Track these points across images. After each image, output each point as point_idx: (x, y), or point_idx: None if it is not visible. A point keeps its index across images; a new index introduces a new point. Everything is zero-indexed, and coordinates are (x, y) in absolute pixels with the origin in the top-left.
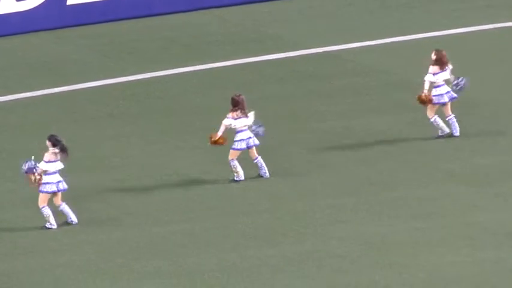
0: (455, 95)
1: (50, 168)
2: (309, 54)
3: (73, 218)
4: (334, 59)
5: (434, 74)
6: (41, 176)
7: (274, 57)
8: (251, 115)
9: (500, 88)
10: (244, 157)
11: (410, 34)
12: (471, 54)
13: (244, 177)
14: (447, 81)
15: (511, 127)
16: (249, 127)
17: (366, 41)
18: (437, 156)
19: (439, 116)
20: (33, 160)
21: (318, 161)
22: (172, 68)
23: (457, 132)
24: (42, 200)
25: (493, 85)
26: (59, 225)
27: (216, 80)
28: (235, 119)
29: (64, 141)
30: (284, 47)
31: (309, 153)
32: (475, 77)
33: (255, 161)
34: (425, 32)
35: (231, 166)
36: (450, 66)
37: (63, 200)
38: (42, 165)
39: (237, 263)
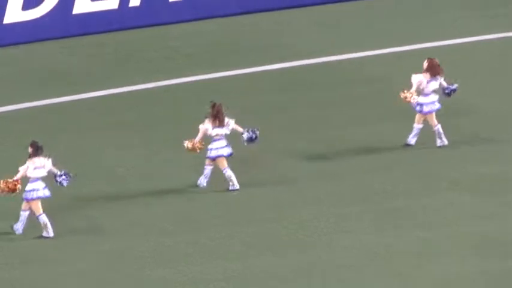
0: (437, 106)
1: (36, 174)
2: (312, 63)
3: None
4: (338, 68)
5: (427, 81)
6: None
7: (277, 67)
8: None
9: (505, 97)
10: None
11: (415, 43)
12: (476, 63)
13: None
14: (436, 91)
15: None
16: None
17: (370, 50)
18: (441, 165)
19: (425, 127)
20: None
21: (322, 170)
22: (177, 77)
23: (441, 143)
24: (36, 207)
25: (498, 94)
26: (62, 235)
27: (220, 89)
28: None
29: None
30: (288, 57)
31: (313, 162)
32: (480, 86)
33: (223, 172)
34: (430, 42)
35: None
36: (441, 78)
37: (50, 207)
38: (23, 170)
39: (241, 272)
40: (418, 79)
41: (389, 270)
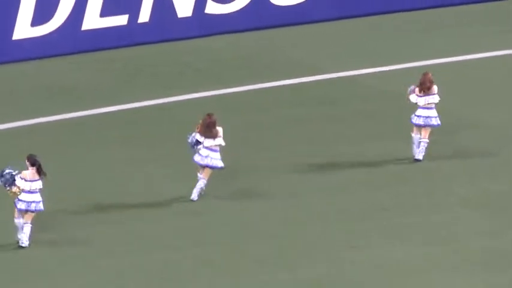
0: (433, 122)
1: (26, 186)
2: (323, 79)
3: (24, 242)
4: (349, 84)
5: (419, 96)
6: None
7: (288, 82)
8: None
9: None
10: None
11: (425, 59)
12: (485, 79)
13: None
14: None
15: None
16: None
17: (381, 66)
18: (450, 181)
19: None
20: (12, 171)
21: (331, 185)
22: (187, 93)
23: (419, 156)
24: (16, 213)
25: (507, 110)
26: (67, 250)
27: (230, 104)
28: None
29: (40, 162)
30: (298, 72)
31: (322, 177)
32: (490, 101)
33: (199, 179)
34: (443, 57)
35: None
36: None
37: (32, 222)
38: (18, 182)
39: None
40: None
41: (399, 286)
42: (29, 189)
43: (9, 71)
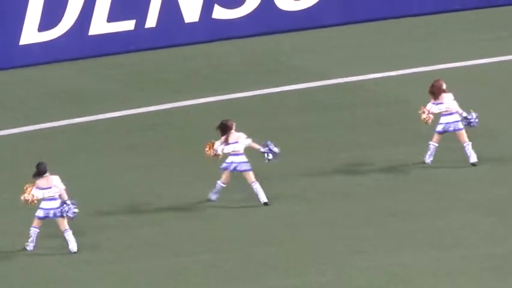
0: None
1: (39, 194)
2: (330, 84)
3: (73, 246)
4: (356, 89)
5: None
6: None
7: (295, 88)
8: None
9: None
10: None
11: (433, 64)
12: (493, 84)
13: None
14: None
15: None
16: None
17: (388, 71)
18: (458, 186)
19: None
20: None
21: (338, 191)
22: (194, 98)
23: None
24: (35, 221)
25: None
26: (77, 255)
27: (237, 110)
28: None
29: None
30: (305, 77)
31: (330, 183)
32: (497, 107)
33: (251, 186)
34: (448, 63)
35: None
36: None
37: (71, 226)
38: (33, 191)
39: None
40: (428, 107)
41: None
42: (42, 196)
43: (16, 76)
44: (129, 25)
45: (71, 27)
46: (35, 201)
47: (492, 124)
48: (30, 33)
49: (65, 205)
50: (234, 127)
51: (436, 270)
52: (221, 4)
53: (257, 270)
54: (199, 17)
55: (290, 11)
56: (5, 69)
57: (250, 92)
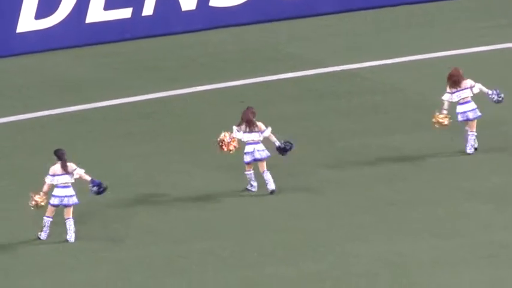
0: (471, 116)
1: (53, 181)
2: (326, 72)
3: (71, 237)
4: (352, 77)
5: (451, 93)
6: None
7: (291, 76)
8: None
9: None
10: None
11: (429, 52)
12: (491, 72)
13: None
14: (465, 99)
15: None
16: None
17: (384, 59)
18: (456, 174)
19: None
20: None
21: (335, 179)
22: (191, 86)
23: (470, 150)
24: (48, 210)
25: (510, 103)
26: (76, 243)
27: (234, 98)
28: (243, 132)
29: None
30: (302, 66)
31: (327, 171)
32: None
33: (262, 174)
34: (444, 51)
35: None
36: (471, 84)
37: (73, 216)
38: (47, 179)
39: (255, 281)
40: (446, 97)
41: (404, 280)
42: (56, 183)
43: (13, 64)
44: (126, 13)
45: (68, 15)
46: (43, 203)
47: (491, 113)
48: (27, 21)
49: (91, 185)
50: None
51: (434, 258)
52: None
53: (254, 258)
54: (196, 5)
55: None
56: (2, 58)
57: (247, 80)
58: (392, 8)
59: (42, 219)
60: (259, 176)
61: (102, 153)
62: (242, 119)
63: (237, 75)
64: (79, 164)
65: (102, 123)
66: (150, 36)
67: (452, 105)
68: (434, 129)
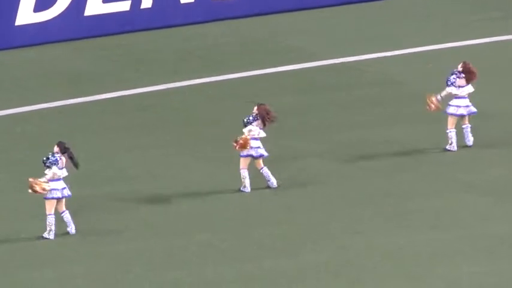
0: (474, 110)
1: (59, 173)
2: (326, 65)
3: (72, 228)
4: (352, 70)
5: (459, 87)
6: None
7: (291, 68)
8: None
9: None
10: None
11: (428, 45)
12: (487, 65)
13: (253, 188)
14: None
15: None
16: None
17: (383, 51)
18: (454, 167)
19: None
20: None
21: (334, 172)
22: (189, 79)
23: (470, 142)
24: (50, 207)
25: (510, 96)
26: (76, 236)
27: (233, 91)
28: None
29: (71, 150)
30: (301, 58)
31: (326, 163)
32: (492, 88)
33: (261, 171)
34: (443, 43)
35: (240, 175)
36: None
37: (67, 208)
38: (54, 170)
39: (255, 273)
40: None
41: (402, 272)
42: (60, 175)
43: (12, 56)
44: (124, 5)
45: (67, 8)
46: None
47: (486, 105)
48: (26, 14)
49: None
50: None
51: (432, 251)
52: None
53: (253, 250)
54: None
55: None
56: (1, 50)
57: (245, 73)
58: (390, 0)
59: (46, 218)
60: (255, 173)
61: (101, 145)
62: (259, 115)
63: (236, 68)
64: (78, 157)
65: (101, 116)
66: (149, 29)
67: (446, 98)
68: (434, 122)
